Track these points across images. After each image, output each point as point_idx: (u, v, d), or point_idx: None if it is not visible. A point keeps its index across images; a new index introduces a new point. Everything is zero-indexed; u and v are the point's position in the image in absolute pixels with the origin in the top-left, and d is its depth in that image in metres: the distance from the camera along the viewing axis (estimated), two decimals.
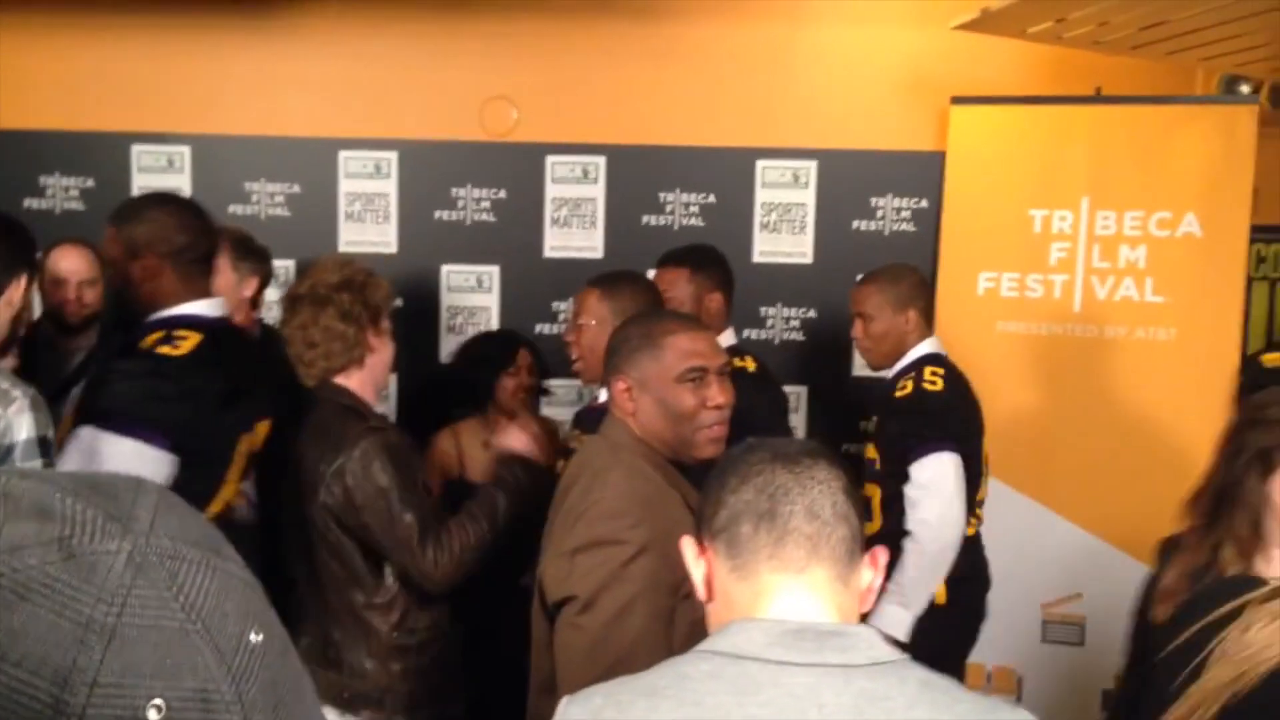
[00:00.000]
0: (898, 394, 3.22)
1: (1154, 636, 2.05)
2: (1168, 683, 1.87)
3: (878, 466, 3.28)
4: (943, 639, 3.14)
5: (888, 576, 3.00)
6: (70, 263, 3.54)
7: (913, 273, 3.36)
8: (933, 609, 3.14)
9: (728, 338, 3.39)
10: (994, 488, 3.61)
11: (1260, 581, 1.93)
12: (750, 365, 3.33)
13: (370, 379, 2.66)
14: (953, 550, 3.14)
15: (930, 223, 4.00)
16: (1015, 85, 3.98)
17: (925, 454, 3.15)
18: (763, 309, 4.11)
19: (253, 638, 0.68)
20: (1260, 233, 3.93)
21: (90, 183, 4.23)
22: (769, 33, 4.08)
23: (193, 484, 2.21)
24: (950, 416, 3.20)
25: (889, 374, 3.32)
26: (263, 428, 2.54)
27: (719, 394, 2.11)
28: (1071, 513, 3.71)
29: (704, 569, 1.39)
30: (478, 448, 3.33)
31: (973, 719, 1.26)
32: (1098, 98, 3.85)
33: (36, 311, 3.46)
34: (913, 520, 3.14)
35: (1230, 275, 3.67)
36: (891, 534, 3.12)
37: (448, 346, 4.19)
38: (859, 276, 3.39)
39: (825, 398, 4.14)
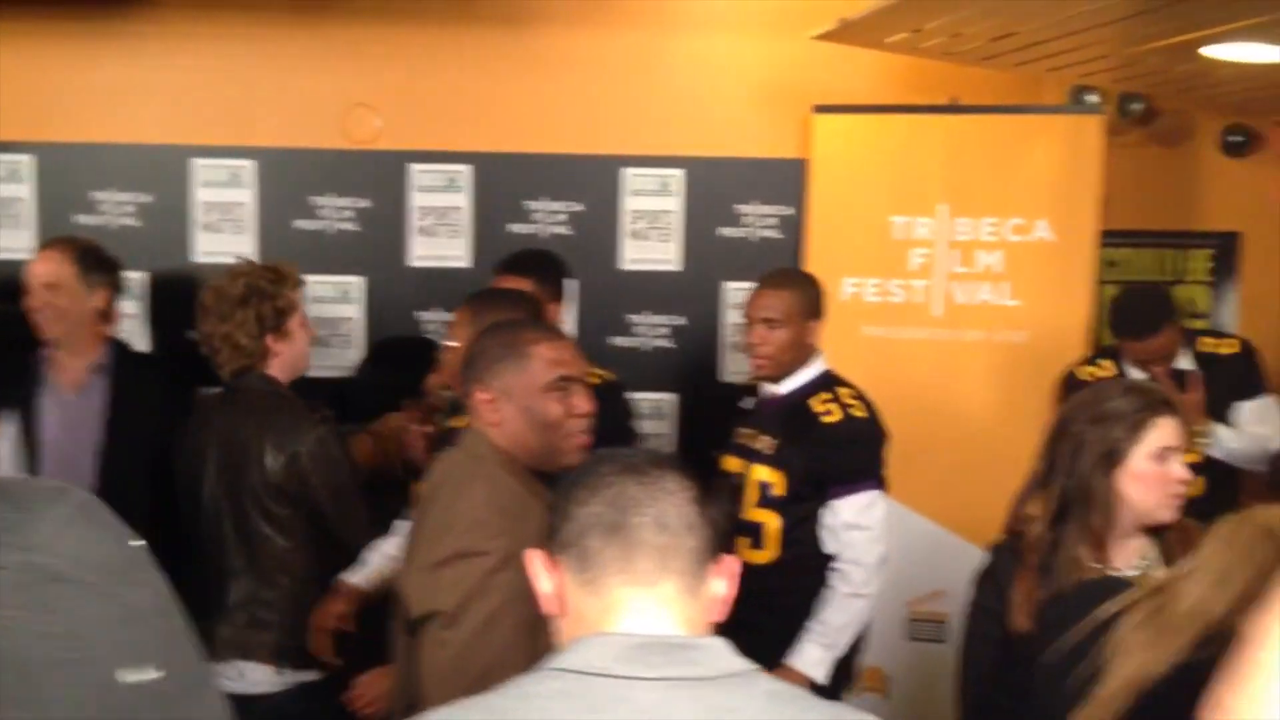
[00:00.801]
0: (825, 420, 3.06)
1: (1019, 646, 2.09)
2: (1057, 687, 1.90)
3: (776, 493, 3.10)
4: None
5: (808, 614, 2.98)
6: None
7: (818, 285, 3.20)
8: None
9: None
10: None
11: (1124, 581, 1.98)
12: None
13: (289, 367, 2.98)
14: (876, 592, 3.08)
15: (795, 230, 4.05)
16: (875, 94, 4.05)
17: (859, 490, 3.03)
18: (630, 316, 4.11)
19: (142, 676, 0.63)
20: (1111, 238, 4.07)
21: None
22: (634, 41, 4.09)
23: None
24: (879, 449, 3.10)
25: (778, 389, 3.16)
26: None
27: (584, 402, 2.14)
28: (934, 512, 3.79)
29: (554, 583, 1.36)
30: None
31: None
32: (953, 107, 3.94)
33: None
34: (846, 561, 3.03)
35: (1080, 279, 3.79)
36: (790, 566, 3.06)
37: (314, 358, 4.07)
38: (759, 279, 3.24)
39: (694, 405, 4.15)
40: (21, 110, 3.98)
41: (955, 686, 2.34)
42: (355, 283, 4.08)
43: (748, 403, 3.33)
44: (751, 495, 3.13)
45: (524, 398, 2.09)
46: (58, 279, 3.24)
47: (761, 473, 3.12)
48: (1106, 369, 3.54)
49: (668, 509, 1.33)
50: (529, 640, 1.90)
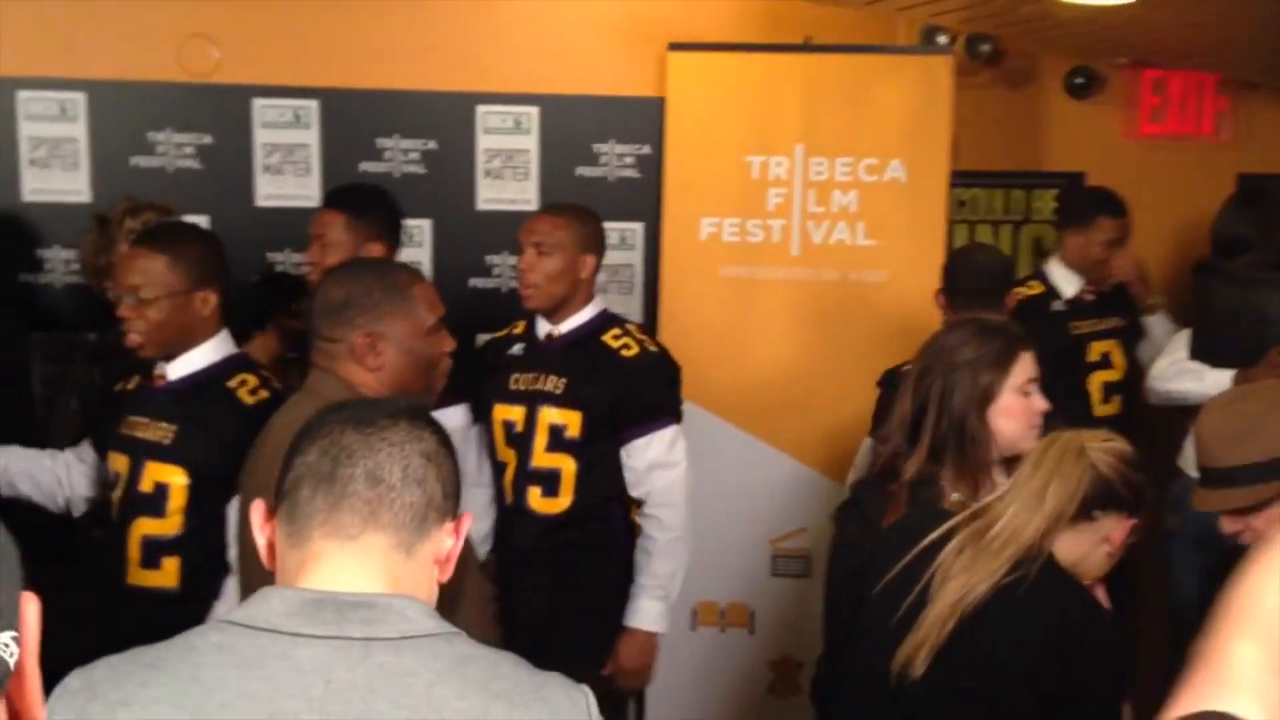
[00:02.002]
0: (624, 354, 2.99)
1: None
2: (888, 615, 1.94)
3: (571, 434, 2.99)
4: None
5: (631, 568, 2.96)
6: None
7: (598, 220, 3.12)
8: None
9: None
10: (719, 427, 3.69)
11: (945, 512, 2.04)
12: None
13: None
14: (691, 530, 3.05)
15: (654, 169, 4.02)
16: (732, 33, 4.03)
17: (661, 427, 2.97)
18: (488, 258, 4.03)
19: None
20: (960, 178, 4.15)
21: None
22: None
23: None
24: (678, 384, 3.09)
25: (558, 328, 3.04)
26: None
27: (450, 341, 2.22)
28: (794, 450, 3.84)
29: (266, 535, 1.31)
30: None
31: (509, 697, 1.21)
32: (807, 46, 3.95)
33: None
34: (658, 505, 2.98)
35: (933, 219, 3.86)
36: (587, 512, 3.01)
37: None
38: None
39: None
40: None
41: (823, 621, 2.38)
42: (199, 221, 3.90)
43: (517, 348, 3.12)
44: (541, 440, 3.01)
45: (409, 340, 2.13)
46: None
47: (551, 415, 3.00)
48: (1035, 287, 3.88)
49: (385, 460, 1.27)
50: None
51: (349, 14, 3.91)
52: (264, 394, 2.56)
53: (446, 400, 2.74)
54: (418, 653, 1.20)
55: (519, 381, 3.07)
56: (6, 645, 0.63)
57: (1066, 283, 3.90)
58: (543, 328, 3.08)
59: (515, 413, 3.05)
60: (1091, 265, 3.85)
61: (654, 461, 2.96)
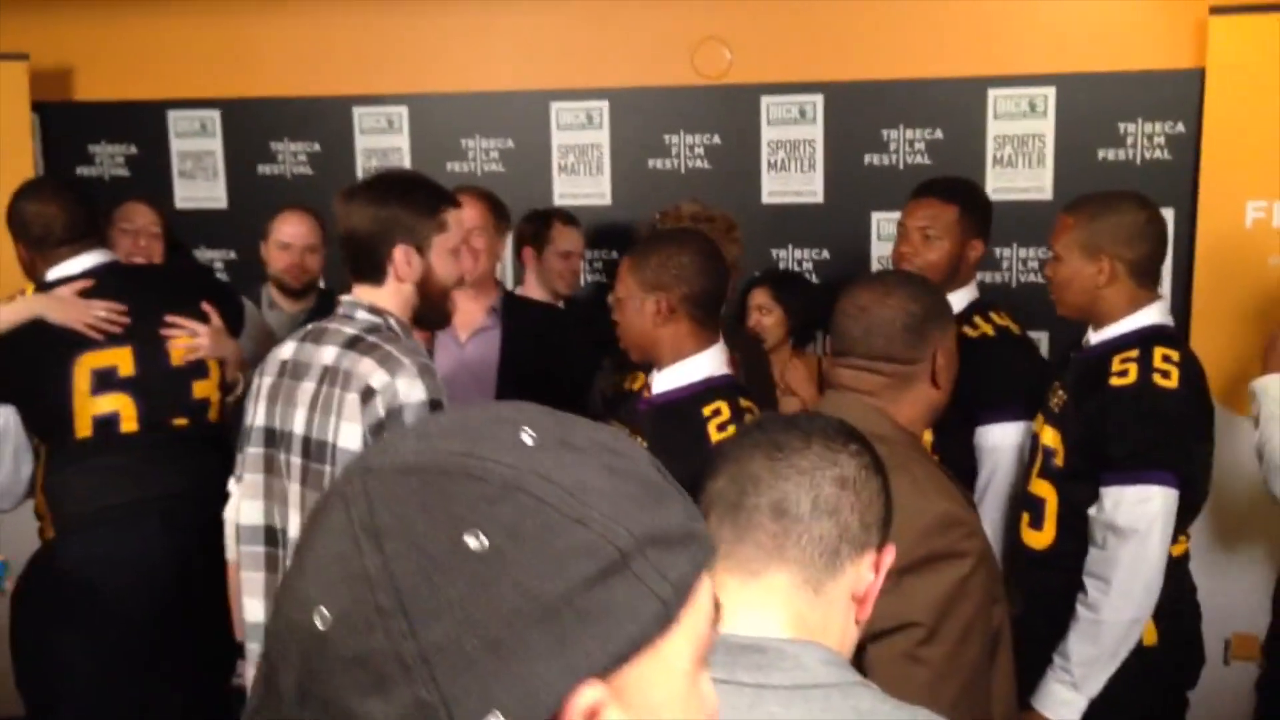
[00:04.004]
0: (1114, 381, 2.45)
1: None
2: None
3: (1057, 462, 2.55)
4: (1156, 685, 2.52)
5: (1055, 644, 2.43)
6: (294, 228, 3.60)
7: (1125, 210, 2.57)
8: (1140, 650, 2.48)
9: (969, 293, 3.00)
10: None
11: None
12: (989, 330, 2.93)
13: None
14: (1142, 623, 2.44)
15: (1188, 149, 3.62)
16: None
17: (1134, 482, 2.39)
18: (998, 250, 3.82)
19: None
20: None
21: (316, 146, 4.32)
22: None
23: None
24: (1184, 430, 2.45)
25: (1091, 337, 2.63)
26: None
27: None
28: None
29: None
30: None
31: None
32: None
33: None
34: (1095, 577, 2.42)
35: None
36: (1068, 554, 2.50)
37: None
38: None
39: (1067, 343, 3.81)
40: (395, 65, 4.21)
41: None
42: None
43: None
44: (1037, 459, 2.63)
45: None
46: (481, 223, 3.26)
47: (1044, 432, 2.62)
48: None
49: (793, 491, 1.17)
50: (988, 655, 1.72)
51: (854, 4, 3.85)
52: None
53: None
54: (808, 705, 1.10)
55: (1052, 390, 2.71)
56: None
57: None
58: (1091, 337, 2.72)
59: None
60: None
61: (1114, 524, 2.41)
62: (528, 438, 0.69)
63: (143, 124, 4.41)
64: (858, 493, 1.20)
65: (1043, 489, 2.59)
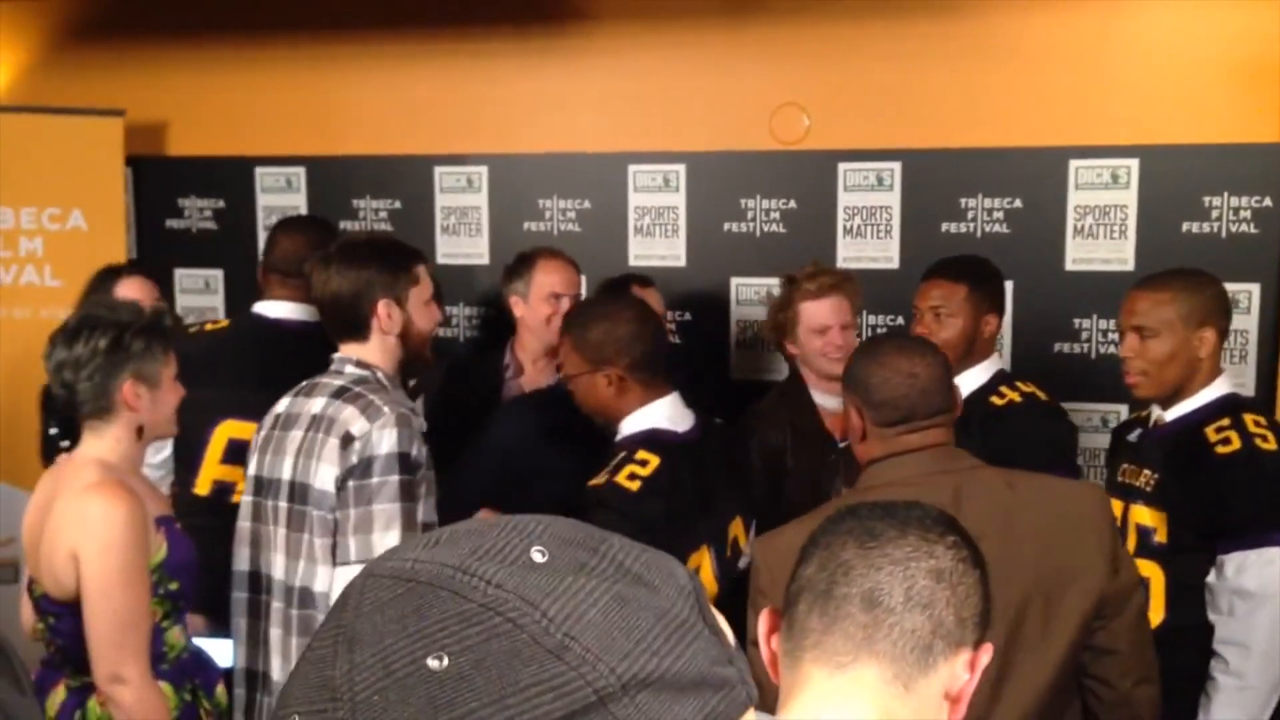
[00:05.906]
0: (1219, 450, 2.47)
1: None
2: None
3: (1158, 539, 2.55)
4: None
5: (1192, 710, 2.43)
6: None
7: (1214, 281, 2.66)
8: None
9: (991, 365, 3.06)
10: None
11: None
12: (1015, 396, 2.94)
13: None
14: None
15: (1274, 223, 3.56)
16: None
17: (1256, 545, 2.40)
18: (1077, 321, 3.77)
19: None
20: None
21: (397, 204, 4.40)
22: (1081, 21, 3.75)
23: None
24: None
25: (1164, 413, 2.64)
26: None
27: None
28: None
29: (769, 648, 1.19)
30: None
31: None
32: None
33: None
34: (1233, 644, 2.42)
35: None
36: (1184, 629, 2.49)
37: (738, 360, 4.08)
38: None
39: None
40: (476, 126, 4.28)
41: None
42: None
43: (1133, 434, 2.78)
44: (1129, 541, 2.59)
45: None
46: (570, 287, 3.42)
47: (1140, 512, 2.60)
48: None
49: (885, 580, 1.13)
50: None
51: (932, 73, 3.86)
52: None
53: None
54: None
55: (1125, 473, 2.73)
56: None
57: None
58: (1154, 411, 2.73)
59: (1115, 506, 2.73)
60: None
61: (1243, 589, 2.42)
62: (538, 554, 0.63)
63: (231, 179, 4.53)
64: (954, 586, 1.16)
65: (1146, 569, 2.52)
